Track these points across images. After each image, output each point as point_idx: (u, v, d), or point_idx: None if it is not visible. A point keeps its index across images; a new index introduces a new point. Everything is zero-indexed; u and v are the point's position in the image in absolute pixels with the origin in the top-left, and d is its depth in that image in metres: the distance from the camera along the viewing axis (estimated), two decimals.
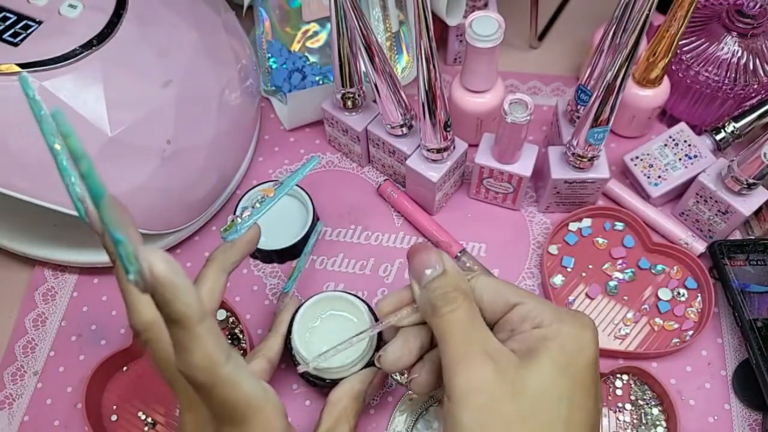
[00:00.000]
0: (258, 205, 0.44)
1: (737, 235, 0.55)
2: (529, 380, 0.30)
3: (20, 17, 0.44)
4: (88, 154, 0.20)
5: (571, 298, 0.53)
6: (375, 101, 0.51)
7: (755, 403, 0.48)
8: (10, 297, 0.55)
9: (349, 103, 0.54)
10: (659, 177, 0.55)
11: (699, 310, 0.52)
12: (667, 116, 0.61)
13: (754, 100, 0.55)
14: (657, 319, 0.51)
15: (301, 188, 0.55)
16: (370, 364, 0.47)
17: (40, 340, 0.53)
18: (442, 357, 0.32)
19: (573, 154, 0.50)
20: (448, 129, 0.50)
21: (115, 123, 0.44)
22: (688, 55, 0.55)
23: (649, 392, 0.49)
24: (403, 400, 0.48)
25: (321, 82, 0.61)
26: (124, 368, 0.51)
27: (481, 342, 0.31)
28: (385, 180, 0.59)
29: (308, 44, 0.62)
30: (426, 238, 0.56)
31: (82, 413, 0.46)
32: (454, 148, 0.52)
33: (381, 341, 0.48)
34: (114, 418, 0.49)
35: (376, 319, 0.48)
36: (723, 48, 0.54)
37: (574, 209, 0.56)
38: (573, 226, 0.56)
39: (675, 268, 0.53)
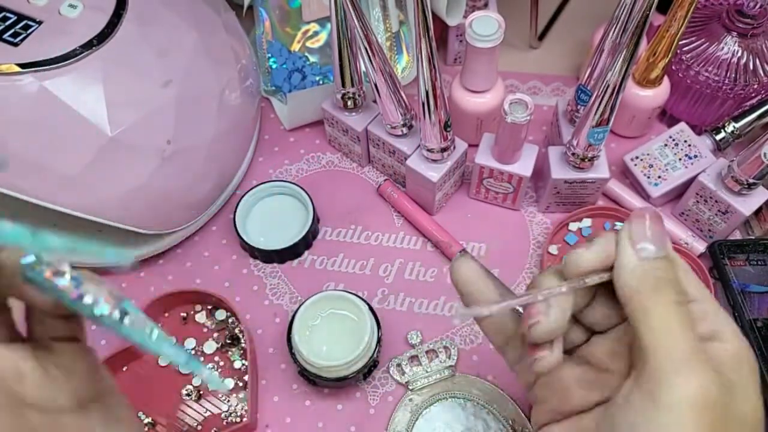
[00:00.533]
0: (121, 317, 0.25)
1: (737, 235, 0.55)
2: (737, 409, 0.25)
3: (20, 17, 0.44)
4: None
5: None
6: (375, 101, 0.51)
7: None
8: None
9: (349, 103, 0.54)
10: (659, 177, 0.55)
11: None
12: (667, 116, 0.61)
13: (754, 100, 0.55)
14: None
15: (301, 188, 0.55)
16: (370, 362, 0.47)
17: None
18: (651, 352, 0.25)
19: (573, 154, 0.50)
20: (448, 129, 0.50)
21: (115, 123, 0.44)
22: (688, 55, 0.55)
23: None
24: (403, 400, 0.48)
25: (321, 82, 0.61)
26: (124, 368, 0.51)
27: (703, 349, 0.25)
28: (385, 180, 0.59)
29: (308, 44, 0.62)
30: (426, 238, 0.56)
31: None
32: (454, 148, 0.52)
33: (380, 342, 0.48)
34: None
35: (377, 320, 0.48)
36: (723, 48, 0.54)
37: (574, 209, 0.56)
38: (573, 226, 0.56)
39: None
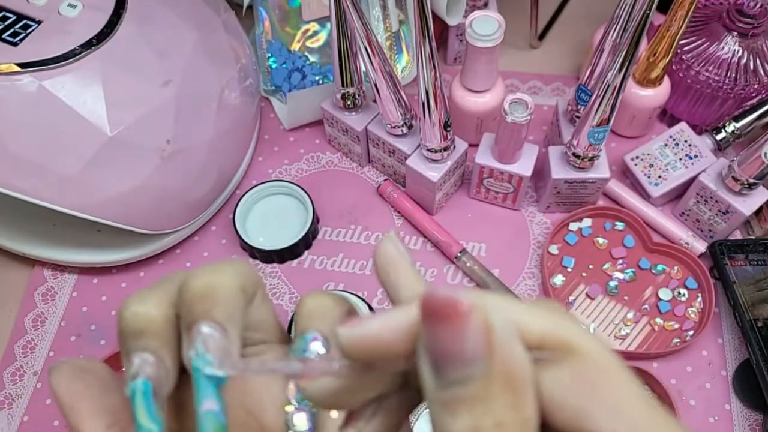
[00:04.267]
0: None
1: (738, 235, 0.55)
2: None
3: (20, 17, 0.44)
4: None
5: (571, 298, 0.53)
6: (375, 101, 0.51)
7: (755, 404, 0.48)
8: (10, 297, 0.55)
9: (349, 102, 0.54)
10: (660, 177, 0.55)
11: (699, 310, 0.52)
12: (667, 116, 0.61)
13: (754, 100, 0.55)
14: (657, 319, 0.51)
15: (301, 188, 0.55)
16: None
17: (40, 340, 0.53)
18: None
19: (573, 154, 0.50)
20: (448, 129, 0.50)
21: (115, 123, 0.44)
22: (688, 55, 0.55)
23: (649, 392, 0.49)
24: None
25: (321, 82, 0.61)
26: (124, 368, 0.51)
27: None
28: (385, 180, 0.59)
29: (308, 44, 0.62)
30: (426, 238, 0.56)
31: None
32: (454, 148, 0.52)
33: None
34: None
35: None
36: (723, 48, 0.54)
37: (575, 209, 0.56)
38: (573, 226, 0.56)
39: (675, 268, 0.53)
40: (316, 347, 0.19)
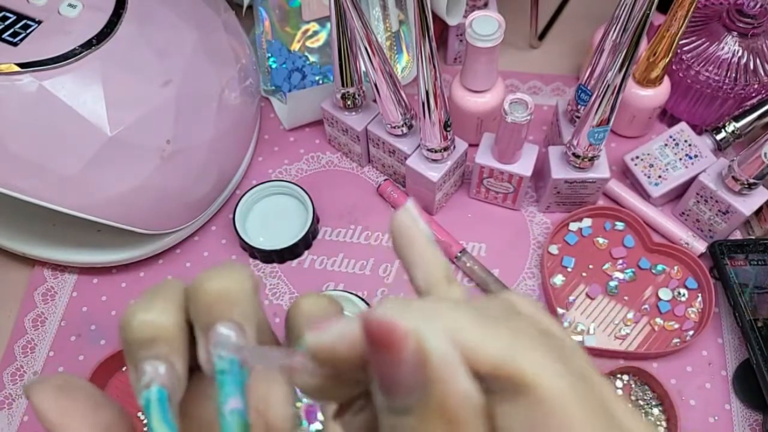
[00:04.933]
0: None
1: (738, 235, 0.55)
2: None
3: (20, 17, 0.44)
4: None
5: (571, 298, 0.53)
6: (375, 101, 0.51)
7: (755, 404, 0.48)
8: (10, 297, 0.55)
9: (349, 102, 0.54)
10: (660, 177, 0.55)
11: (699, 310, 0.52)
12: (667, 116, 0.61)
13: (754, 100, 0.55)
14: (657, 319, 0.51)
15: (301, 188, 0.55)
16: None
17: (40, 340, 0.53)
18: None
19: (573, 154, 0.50)
20: (448, 129, 0.50)
21: (115, 123, 0.44)
22: (688, 55, 0.55)
23: (649, 392, 0.49)
24: None
25: (321, 82, 0.61)
26: (124, 368, 0.51)
27: None
28: (385, 180, 0.59)
29: (308, 44, 0.62)
30: None
31: None
32: (454, 148, 0.52)
33: None
34: None
35: None
36: (723, 48, 0.54)
37: (575, 209, 0.56)
38: (573, 226, 0.56)
39: (675, 268, 0.53)
40: None
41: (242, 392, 0.17)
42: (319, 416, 0.21)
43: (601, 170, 0.51)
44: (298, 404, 0.20)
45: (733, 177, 0.49)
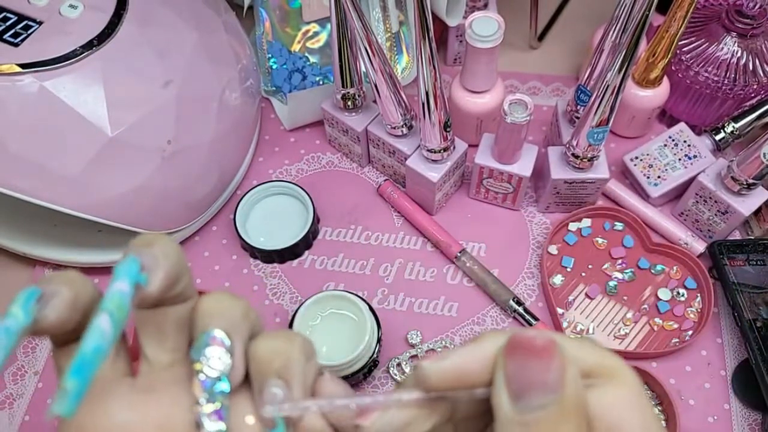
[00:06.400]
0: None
1: (737, 235, 0.55)
2: None
3: (21, 17, 0.44)
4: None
5: (570, 298, 0.53)
6: (375, 101, 0.51)
7: (755, 403, 0.48)
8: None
9: (349, 103, 0.54)
10: (659, 177, 0.55)
11: (698, 310, 0.52)
12: (666, 116, 0.61)
13: (753, 101, 0.55)
14: (656, 319, 0.51)
15: (302, 188, 0.55)
16: (370, 362, 0.47)
17: (41, 339, 0.53)
18: None
19: (573, 154, 0.50)
20: (448, 129, 0.50)
21: (116, 123, 0.44)
22: (687, 56, 0.55)
23: (648, 392, 0.49)
24: None
25: (321, 83, 0.61)
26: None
27: None
28: (385, 180, 0.59)
29: (308, 44, 0.62)
30: (426, 238, 0.56)
31: None
32: (454, 148, 0.52)
33: (380, 342, 0.48)
34: None
35: (377, 320, 0.48)
36: (723, 48, 0.54)
37: (574, 209, 0.56)
38: (573, 226, 0.56)
39: (675, 268, 0.53)
40: (217, 344, 0.20)
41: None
42: None
43: (601, 170, 0.51)
44: (195, 408, 0.20)
45: (732, 177, 0.49)
